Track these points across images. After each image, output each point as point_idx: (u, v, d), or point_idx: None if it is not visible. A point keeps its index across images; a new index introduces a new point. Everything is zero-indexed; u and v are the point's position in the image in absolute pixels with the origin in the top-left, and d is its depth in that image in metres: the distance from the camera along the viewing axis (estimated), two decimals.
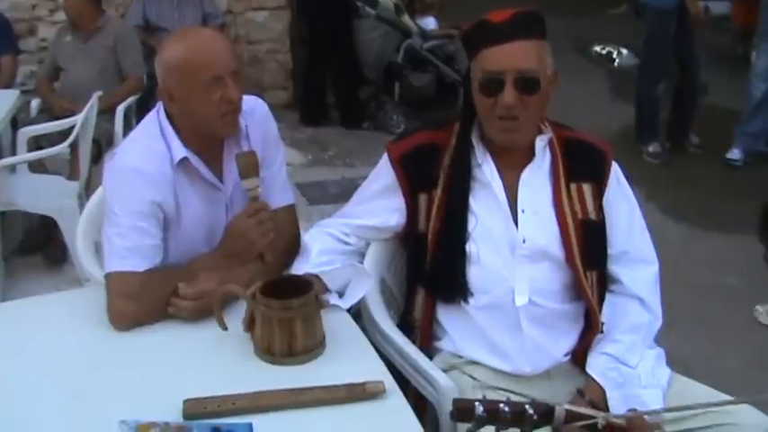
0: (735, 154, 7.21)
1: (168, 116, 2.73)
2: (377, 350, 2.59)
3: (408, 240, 2.83)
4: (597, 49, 10.83)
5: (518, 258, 2.65)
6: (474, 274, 2.67)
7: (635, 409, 2.18)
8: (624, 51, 10.57)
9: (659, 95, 7.28)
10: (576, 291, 2.70)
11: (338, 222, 2.88)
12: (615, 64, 10.51)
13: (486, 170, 2.69)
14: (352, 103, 8.36)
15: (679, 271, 5.49)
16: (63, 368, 2.44)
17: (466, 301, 2.68)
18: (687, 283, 5.37)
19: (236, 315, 2.51)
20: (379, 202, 2.81)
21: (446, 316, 2.75)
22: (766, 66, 6.82)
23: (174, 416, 2.18)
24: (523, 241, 2.64)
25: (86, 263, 3.04)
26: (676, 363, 2.76)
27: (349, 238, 2.85)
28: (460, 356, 2.73)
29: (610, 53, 10.69)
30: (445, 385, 2.52)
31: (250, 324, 2.47)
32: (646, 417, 2.17)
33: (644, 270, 2.82)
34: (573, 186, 2.72)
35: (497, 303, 2.66)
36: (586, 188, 2.73)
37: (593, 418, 1.92)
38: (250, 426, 2.14)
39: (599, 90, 9.39)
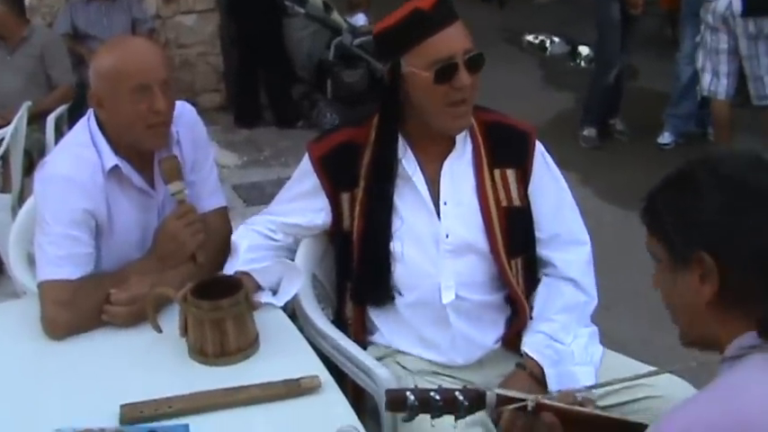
0: (665, 137, 7.29)
1: (99, 124, 2.73)
2: (312, 346, 2.61)
3: (336, 239, 2.82)
4: (529, 38, 10.88)
5: (443, 253, 2.65)
6: (400, 272, 2.67)
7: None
8: (556, 40, 10.63)
9: (610, 83, 7.32)
10: (501, 280, 2.71)
11: (265, 219, 2.86)
12: (547, 53, 10.57)
13: (408, 165, 2.67)
14: (285, 102, 8.34)
15: (616, 253, 5.56)
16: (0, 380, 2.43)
17: (391, 302, 2.69)
18: (624, 265, 5.42)
19: (171, 317, 2.52)
20: (304, 202, 2.79)
21: (376, 313, 2.75)
22: (691, 48, 6.88)
23: (112, 421, 2.19)
24: (447, 236, 2.65)
25: (19, 273, 3.01)
26: (615, 343, 2.79)
27: (276, 235, 2.83)
28: (392, 349, 2.74)
29: (542, 42, 10.74)
30: (383, 377, 2.53)
31: (185, 329, 2.47)
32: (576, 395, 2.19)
33: (576, 251, 2.84)
34: (497, 173, 2.71)
35: (424, 300, 2.67)
36: (510, 174, 2.73)
37: (524, 400, 1.93)
38: (186, 427, 2.16)
39: (532, 79, 9.44)
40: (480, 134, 2.72)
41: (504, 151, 2.74)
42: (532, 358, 2.64)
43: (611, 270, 5.32)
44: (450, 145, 2.69)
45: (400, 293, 2.69)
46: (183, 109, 2.89)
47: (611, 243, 5.73)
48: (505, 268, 2.68)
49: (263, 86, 8.36)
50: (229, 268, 2.72)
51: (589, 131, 7.45)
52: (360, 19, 8.50)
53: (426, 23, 2.52)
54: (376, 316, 2.75)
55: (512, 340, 2.73)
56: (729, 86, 6.43)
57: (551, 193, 2.80)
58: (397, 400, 1.89)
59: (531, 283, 2.79)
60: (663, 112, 7.42)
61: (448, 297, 2.64)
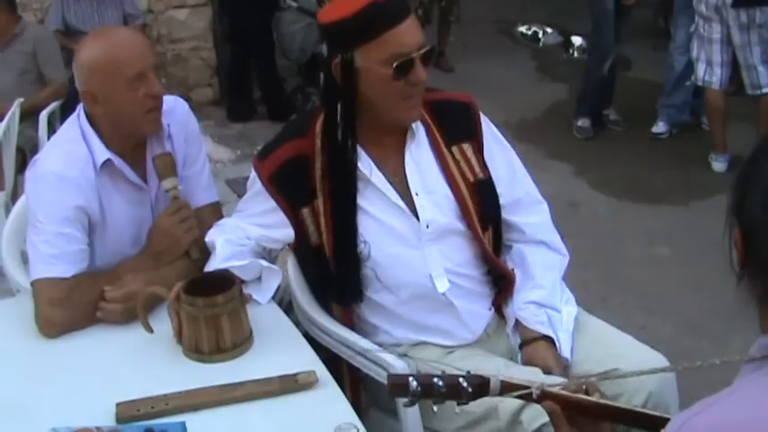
0: (660, 127, 7.28)
1: (89, 119, 2.72)
2: (311, 342, 2.60)
3: (302, 252, 2.77)
4: (522, 29, 10.85)
5: (425, 243, 2.64)
6: (387, 274, 2.64)
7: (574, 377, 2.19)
8: (549, 30, 10.61)
9: (605, 74, 7.31)
10: (482, 254, 2.73)
11: (234, 226, 2.78)
12: (540, 43, 10.55)
13: (363, 165, 2.62)
14: (278, 96, 8.31)
15: (610, 244, 5.59)
16: None
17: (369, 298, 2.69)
18: (619, 256, 5.45)
19: (165, 315, 2.50)
20: (265, 220, 2.72)
21: (372, 314, 2.73)
22: (685, 38, 6.88)
23: (108, 420, 2.19)
24: (427, 226, 2.63)
25: (12, 272, 3.00)
26: None
27: (246, 242, 2.75)
28: (401, 344, 2.73)
29: (535, 33, 10.73)
30: (399, 367, 2.51)
31: (180, 332, 2.46)
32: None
33: (539, 212, 2.88)
34: (455, 149, 2.72)
35: (420, 293, 2.66)
36: (467, 148, 2.74)
37: (528, 388, 1.93)
38: (183, 425, 2.15)
39: (525, 70, 9.42)
40: (428, 115, 2.70)
41: (455, 126, 2.75)
42: (532, 328, 2.69)
43: (606, 261, 5.36)
44: (402, 135, 2.67)
45: (393, 293, 2.67)
46: (176, 104, 2.89)
47: (605, 234, 5.76)
48: (483, 242, 2.70)
49: (256, 80, 8.34)
50: (209, 266, 2.69)
51: (583, 122, 7.44)
52: None
53: (384, 17, 2.46)
54: (373, 317, 2.73)
55: (502, 305, 2.79)
56: (723, 76, 6.43)
57: (502, 158, 2.82)
58: (399, 386, 1.88)
59: (500, 247, 2.84)
60: (656, 101, 7.41)
61: (443, 285, 2.65)
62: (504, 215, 2.81)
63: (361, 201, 2.61)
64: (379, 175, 2.63)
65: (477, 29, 9.64)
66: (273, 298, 2.73)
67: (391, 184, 2.64)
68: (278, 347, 2.49)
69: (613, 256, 5.42)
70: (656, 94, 7.52)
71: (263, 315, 2.60)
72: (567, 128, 7.51)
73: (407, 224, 2.63)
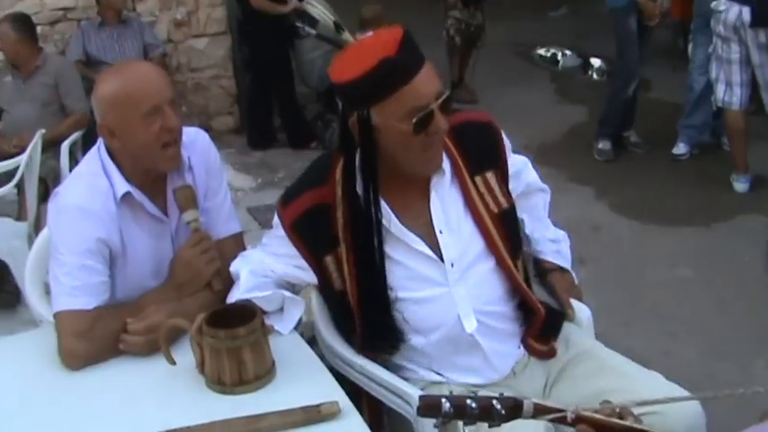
0: (680, 148, 7.25)
1: (109, 152, 2.73)
2: (334, 373, 2.60)
3: (327, 296, 2.76)
4: (541, 52, 10.87)
5: (453, 283, 2.60)
6: (415, 317, 2.62)
7: (607, 401, 2.18)
8: (568, 53, 10.62)
9: (629, 96, 7.30)
10: (512, 287, 2.70)
11: (261, 259, 2.76)
12: (559, 66, 10.56)
13: (384, 217, 2.56)
14: (298, 124, 8.34)
15: (634, 267, 5.56)
16: (19, 411, 2.43)
17: (404, 344, 2.66)
18: (642, 279, 5.42)
19: (188, 347, 2.50)
20: (289, 261, 2.70)
21: (399, 356, 2.70)
22: (704, 59, 6.86)
23: None
24: (452, 265, 2.60)
25: (35, 303, 3.02)
26: (635, 359, 2.78)
27: (271, 273, 2.74)
28: (424, 381, 2.70)
29: (554, 55, 10.74)
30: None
31: (202, 364, 2.46)
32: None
33: (541, 197, 3.04)
34: (478, 180, 2.67)
35: (449, 335, 2.63)
36: (490, 177, 2.70)
37: (563, 411, 1.92)
38: None
39: (545, 93, 9.42)
40: (451, 142, 2.64)
41: (479, 154, 2.70)
42: (556, 264, 2.98)
43: (629, 284, 5.33)
44: (424, 179, 2.61)
45: (419, 335, 2.64)
46: (197, 136, 2.90)
47: (627, 257, 5.73)
48: (514, 274, 2.68)
49: (275, 108, 8.37)
50: (232, 296, 2.70)
51: (604, 144, 7.42)
52: None
53: (398, 73, 2.38)
54: (399, 357, 2.70)
55: (531, 342, 2.76)
56: (743, 96, 6.41)
57: (517, 166, 2.87)
58: (431, 406, 1.86)
59: (528, 278, 2.85)
60: (676, 123, 7.39)
61: (470, 325, 2.62)
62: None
63: (386, 248, 2.57)
64: (398, 224, 2.58)
65: (495, 52, 9.64)
66: (296, 329, 2.73)
67: (411, 230, 2.59)
68: (300, 378, 2.49)
69: (636, 279, 5.39)
70: (676, 116, 7.49)
71: (286, 346, 2.60)
72: (587, 150, 7.50)
73: (433, 267, 2.59)
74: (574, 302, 2.91)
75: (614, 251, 5.81)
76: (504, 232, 2.67)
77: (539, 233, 2.95)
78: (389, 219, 2.57)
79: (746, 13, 6.05)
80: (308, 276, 2.70)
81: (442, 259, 2.59)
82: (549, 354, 2.76)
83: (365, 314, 2.62)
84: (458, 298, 2.61)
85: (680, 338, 4.68)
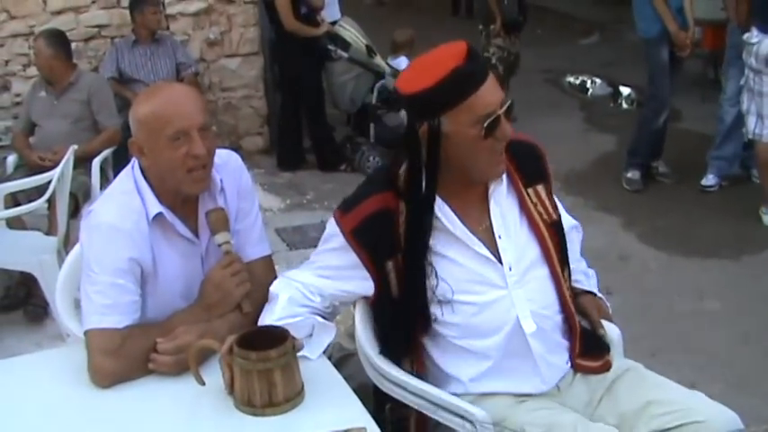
0: (709, 180, 7.23)
1: (142, 171, 2.76)
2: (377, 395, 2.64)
3: (381, 304, 2.78)
4: (570, 79, 10.90)
5: (511, 286, 2.68)
6: (475, 320, 2.67)
7: None
8: (597, 81, 10.64)
9: (660, 126, 7.29)
10: (560, 297, 2.78)
11: (305, 281, 2.78)
12: (589, 94, 10.57)
13: (447, 219, 2.66)
14: (328, 146, 8.36)
15: (661, 299, 5.53)
16: (46, 428, 2.44)
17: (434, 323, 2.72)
18: (670, 311, 5.39)
19: (216, 368, 2.51)
20: (345, 274, 2.74)
21: (448, 360, 2.74)
22: (735, 90, 6.85)
23: None
24: (510, 269, 2.68)
25: (66, 319, 3.05)
26: None
27: (315, 298, 2.77)
28: (470, 394, 2.74)
29: (584, 83, 10.76)
30: (480, 416, 2.57)
31: (231, 384, 2.46)
32: None
33: (576, 234, 3.09)
34: (531, 192, 2.79)
35: (505, 336, 2.68)
36: (540, 190, 2.82)
37: None
38: None
39: (574, 120, 9.44)
40: (506, 156, 2.72)
41: (530, 169, 2.82)
42: (588, 290, 3.03)
43: (656, 315, 5.31)
44: (484, 185, 2.72)
45: (477, 338, 2.69)
46: (229, 158, 2.91)
47: (655, 288, 5.71)
48: (563, 284, 2.77)
49: (305, 130, 8.40)
50: (264, 319, 2.72)
51: (633, 174, 7.41)
52: (403, 62, 8.52)
53: (468, 81, 2.52)
54: (450, 363, 2.74)
55: (578, 360, 2.81)
56: None
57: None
58: None
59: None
60: (706, 154, 7.37)
61: (530, 327, 2.68)
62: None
63: (446, 251, 2.66)
64: (462, 226, 2.67)
65: (525, 79, 9.65)
66: (323, 353, 2.74)
67: (474, 233, 2.68)
68: (328, 402, 2.49)
69: (663, 310, 5.37)
70: (705, 147, 7.48)
71: (313, 369, 2.60)
72: (615, 180, 7.50)
73: (493, 269, 2.68)
74: (605, 323, 2.96)
75: (641, 281, 5.80)
76: (556, 241, 2.78)
77: (574, 264, 2.97)
78: (453, 222, 2.66)
79: None
80: (363, 288, 2.74)
81: (501, 263, 2.68)
82: (605, 367, 2.81)
83: (407, 299, 2.68)
84: (516, 300, 2.68)
85: (706, 371, 4.65)
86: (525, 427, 2.59)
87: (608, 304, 3.05)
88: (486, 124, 2.52)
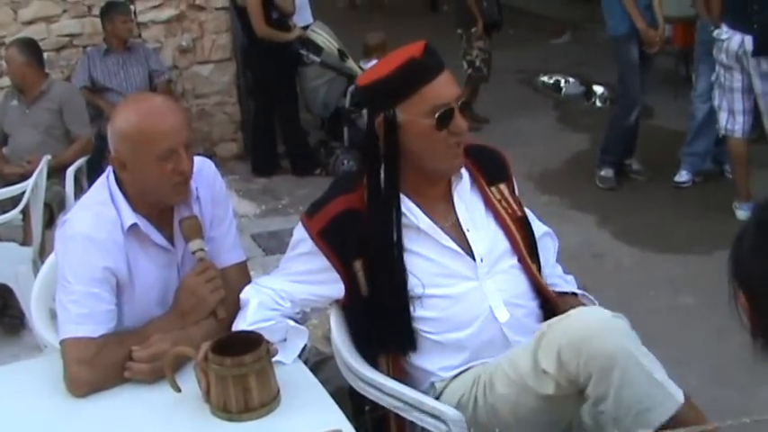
0: (682, 176, 7.25)
1: (117, 182, 2.76)
2: (353, 397, 2.64)
3: (352, 306, 2.81)
4: (544, 79, 10.91)
5: (482, 277, 2.73)
6: (448, 312, 2.71)
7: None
8: (571, 80, 10.66)
9: (632, 124, 7.32)
10: (533, 286, 2.83)
11: (274, 287, 2.80)
12: (562, 93, 10.59)
13: (413, 215, 2.72)
14: (302, 150, 8.36)
15: (635, 294, 5.55)
16: None
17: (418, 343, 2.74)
18: (644, 307, 5.40)
19: (192, 375, 2.52)
20: (313, 278, 2.78)
21: (426, 358, 2.77)
22: (706, 87, 6.88)
23: None
24: (481, 260, 2.73)
25: (41, 329, 3.04)
26: None
27: (284, 303, 2.79)
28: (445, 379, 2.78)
29: (557, 82, 10.78)
30: (454, 416, 2.58)
31: (207, 391, 2.47)
32: None
33: (551, 241, 3.12)
34: (494, 189, 2.86)
35: (483, 327, 2.72)
36: (503, 188, 2.89)
37: None
38: None
39: (547, 120, 9.45)
40: (467, 159, 2.80)
41: (491, 169, 2.90)
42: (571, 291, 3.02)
43: (631, 312, 5.27)
44: (447, 182, 2.78)
45: (452, 331, 2.72)
46: (203, 165, 2.91)
47: (629, 285, 5.73)
48: (535, 273, 2.83)
49: (279, 135, 8.39)
50: (237, 326, 2.73)
51: (606, 172, 7.42)
52: None
53: (422, 72, 2.60)
54: (428, 361, 2.76)
55: None
56: (745, 124, 6.43)
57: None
58: None
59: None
60: (679, 150, 7.41)
61: (503, 315, 2.73)
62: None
63: (414, 247, 2.70)
64: (427, 221, 2.72)
65: (499, 80, 9.67)
66: (299, 357, 2.75)
67: (442, 228, 2.73)
68: (304, 405, 2.50)
69: (638, 306, 5.37)
70: (678, 143, 7.52)
71: (290, 374, 2.61)
72: (589, 178, 7.52)
73: (462, 262, 2.73)
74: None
75: (616, 278, 5.81)
76: (523, 234, 2.84)
77: (549, 270, 3.02)
78: (418, 217, 2.71)
79: (749, 41, 6.09)
80: (334, 290, 2.78)
81: (471, 256, 2.73)
82: None
83: (388, 316, 2.70)
84: (488, 290, 2.73)
85: (681, 365, 4.67)
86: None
87: (591, 297, 3.04)
88: (437, 115, 2.59)
